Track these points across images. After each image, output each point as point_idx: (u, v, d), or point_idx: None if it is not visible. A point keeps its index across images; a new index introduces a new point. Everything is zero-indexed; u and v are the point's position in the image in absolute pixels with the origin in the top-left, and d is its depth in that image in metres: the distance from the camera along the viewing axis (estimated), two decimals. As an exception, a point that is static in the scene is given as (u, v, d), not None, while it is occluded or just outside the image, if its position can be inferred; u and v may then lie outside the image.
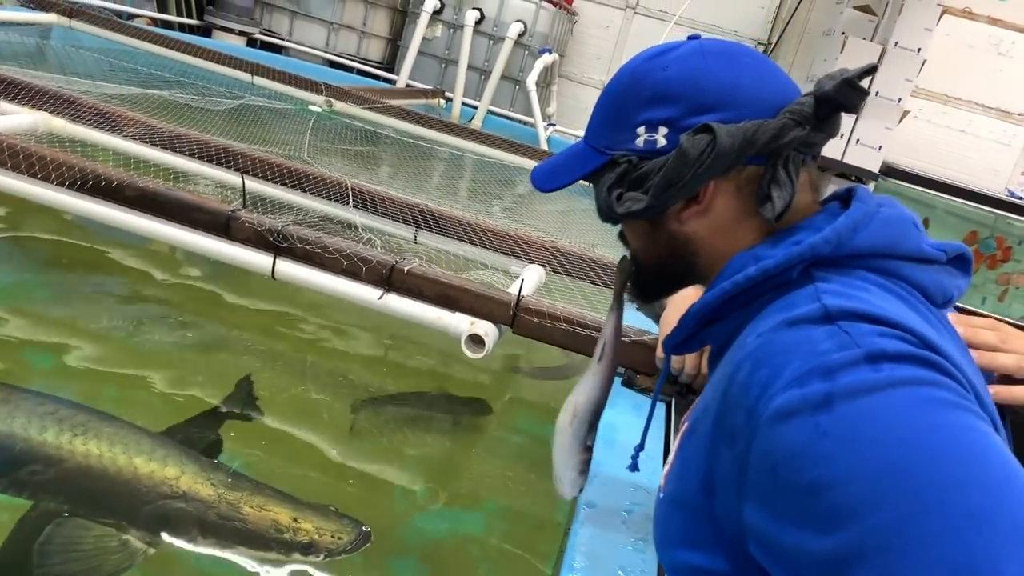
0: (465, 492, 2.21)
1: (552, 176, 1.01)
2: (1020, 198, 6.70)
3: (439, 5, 6.78)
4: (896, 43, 5.72)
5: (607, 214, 0.98)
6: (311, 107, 4.43)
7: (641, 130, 0.92)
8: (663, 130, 0.91)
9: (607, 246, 2.85)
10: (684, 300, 1.21)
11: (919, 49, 5.72)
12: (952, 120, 7.27)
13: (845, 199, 0.93)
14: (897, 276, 0.85)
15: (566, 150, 1.03)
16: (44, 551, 1.35)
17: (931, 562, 0.62)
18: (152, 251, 2.79)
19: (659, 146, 0.91)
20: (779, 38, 7.44)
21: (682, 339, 0.97)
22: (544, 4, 6.85)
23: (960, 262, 0.92)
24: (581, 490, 1.19)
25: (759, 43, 7.39)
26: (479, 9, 6.74)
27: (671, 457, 0.98)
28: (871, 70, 0.90)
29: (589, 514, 1.27)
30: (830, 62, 5.90)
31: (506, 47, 6.45)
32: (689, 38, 0.96)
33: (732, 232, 0.93)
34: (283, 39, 7.05)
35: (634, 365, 1.79)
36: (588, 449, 1.17)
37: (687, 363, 1.68)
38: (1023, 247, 6.73)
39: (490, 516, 2.08)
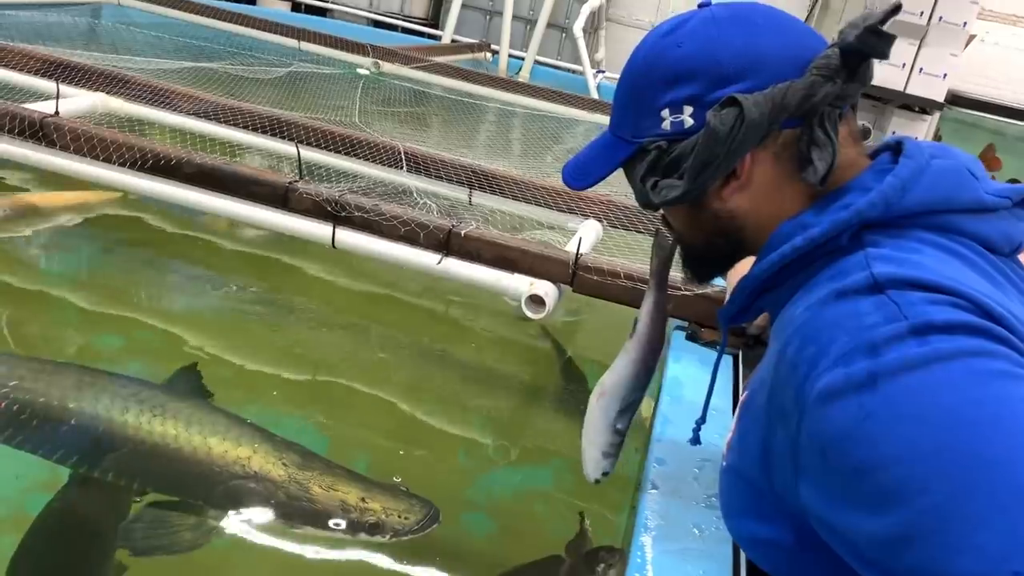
0: (532, 448, 2.23)
1: (583, 172, 0.99)
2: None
3: (481, -44, 6.68)
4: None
5: (645, 202, 0.95)
6: (359, 70, 4.43)
7: (666, 113, 0.88)
8: (688, 109, 0.87)
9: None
10: (746, 263, 1.18)
11: (984, -32, 5.43)
12: (1022, 41, 6.92)
13: (897, 149, 0.88)
14: (956, 231, 0.81)
15: (594, 141, 0.99)
16: (129, 529, 1.41)
17: (980, 544, 0.61)
18: (212, 227, 2.84)
19: (687, 127, 0.87)
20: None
21: (737, 311, 0.96)
22: (589, -54, 6.69)
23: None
24: (606, 474, 1.17)
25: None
26: (522, -43, 6.62)
27: (732, 426, 0.97)
28: (895, 10, 0.84)
29: (659, 471, 1.26)
30: (889, -10, 5.67)
31: (551, -6, 6.33)
32: (700, 6, 0.91)
33: (776, 201, 0.89)
34: (327, 1, 7.03)
35: (698, 318, 1.77)
36: (618, 432, 1.15)
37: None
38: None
39: (558, 471, 2.10)
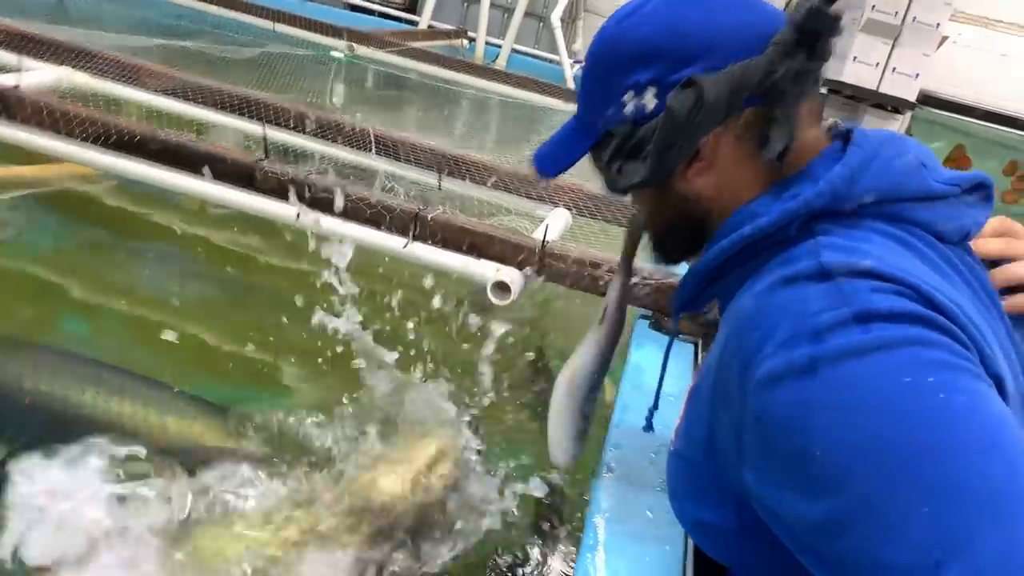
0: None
1: (552, 160, 0.99)
2: (1064, 123, 6.48)
3: (460, -58, 6.63)
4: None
5: (612, 187, 0.95)
6: (333, 53, 4.39)
7: (628, 97, 0.88)
8: (651, 91, 0.87)
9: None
10: None
11: (959, -30, 5.49)
12: (994, 44, 7.00)
13: (847, 137, 0.88)
14: (906, 220, 0.82)
15: (562, 128, 0.99)
16: None
17: (906, 534, 0.61)
18: (181, 206, 2.80)
19: (649, 109, 0.87)
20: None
21: (687, 298, 0.96)
22: (567, -64, 6.66)
23: (979, 190, 0.88)
24: (575, 458, 1.18)
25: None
26: (501, -56, 6.58)
27: (680, 412, 0.98)
28: None
29: (616, 455, 1.28)
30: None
31: (529, -18, 6.31)
32: None
33: (739, 183, 0.89)
34: (302, -18, 6.95)
35: (660, 308, 1.78)
36: (585, 416, 1.15)
37: None
38: (1066, 174, 6.53)
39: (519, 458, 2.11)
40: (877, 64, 5.20)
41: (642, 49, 0.87)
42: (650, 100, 0.87)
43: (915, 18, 5.51)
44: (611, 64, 0.90)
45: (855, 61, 5.39)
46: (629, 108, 0.89)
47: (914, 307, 0.69)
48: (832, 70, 6.00)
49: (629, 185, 0.92)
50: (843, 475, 0.65)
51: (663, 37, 0.86)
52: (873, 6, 5.40)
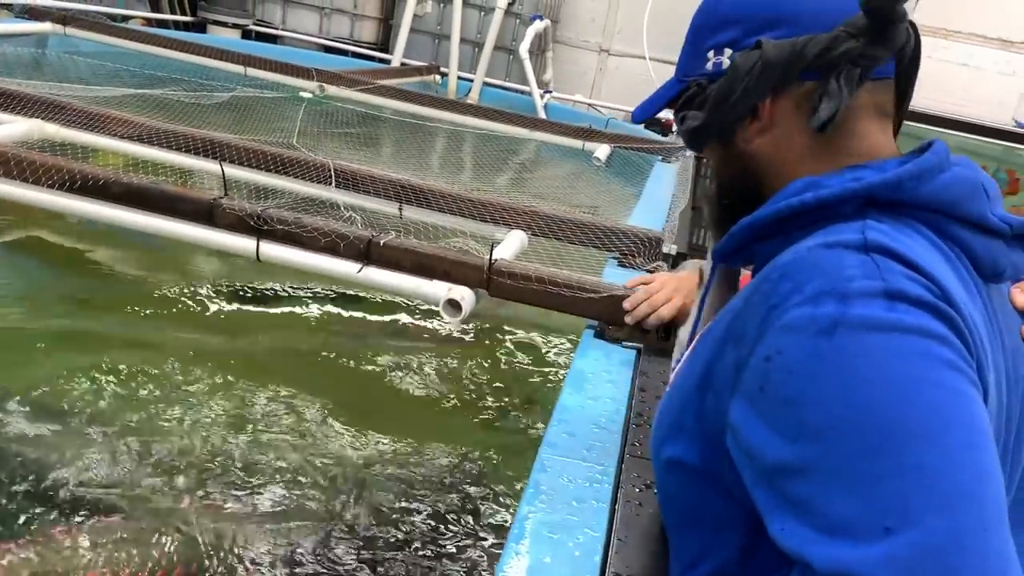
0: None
1: (643, 108, 1.07)
2: (1027, 128, 6.63)
3: (427, -19, 6.81)
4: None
5: (683, 137, 1.02)
6: (302, 94, 4.51)
7: (711, 55, 0.96)
8: (728, 51, 0.94)
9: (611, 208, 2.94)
10: (692, 280, 1.27)
11: (912, -17, 5.65)
12: (952, 54, 7.18)
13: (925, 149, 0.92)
14: (950, 237, 0.84)
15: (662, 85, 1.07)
16: None
17: (863, 497, 0.66)
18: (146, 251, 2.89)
19: (724, 68, 0.94)
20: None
21: (730, 249, 0.97)
22: (532, -29, 6.85)
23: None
24: None
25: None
26: (467, -19, 6.76)
27: (685, 356, 1.03)
28: None
29: (551, 451, 1.34)
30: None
31: (496, 17, 6.48)
32: None
33: (793, 152, 0.93)
34: (276, 28, 7.12)
35: (605, 317, 1.86)
36: None
37: (641, 307, 1.75)
38: (1033, 177, 6.67)
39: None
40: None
41: (729, 13, 0.95)
42: (726, 59, 0.95)
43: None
44: (704, 25, 0.98)
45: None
46: (709, 64, 0.96)
47: (938, 302, 0.73)
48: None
49: (688, 130, 0.99)
50: (828, 429, 0.69)
51: (749, 4, 0.94)
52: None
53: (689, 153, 4.54)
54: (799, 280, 0.76)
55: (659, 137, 5.37)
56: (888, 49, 0.87)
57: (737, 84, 0.91)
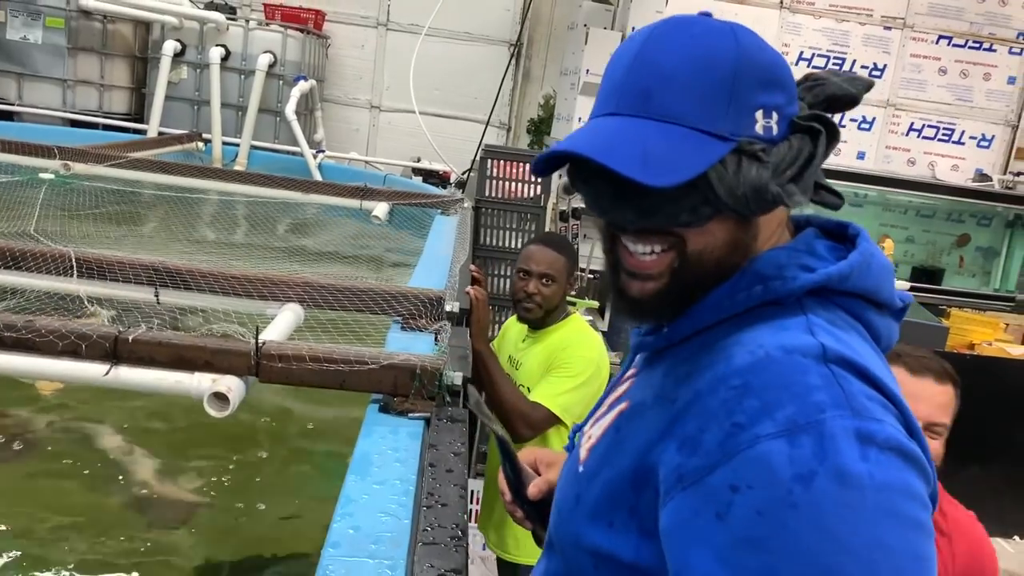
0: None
1: (669, 167, 0.81)
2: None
3: (179, 47, 6.48)
4: (633, 28, 6.06)
5: (746, 204, 0.85)
6: (42, 175, 4.10)
7: (759, 115, 0.85)
8: (775, 116, 0.86)
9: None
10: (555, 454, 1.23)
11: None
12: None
13: (827, 230, 0.94)
14: (862, 320, 0.87)
15: (644, 132, 0.84)
16: None
17: None
18: None
19: (774, 134, 0.86)
20: (528, 37, 7.71)
21: (688, 333, 0.90)
22: (291, 32, 6.72)
23: (903, 312, 0.94)
24: None
25: (511, 44, 7.61)
26: (223, 45, 6.50)
27: (597, 431, 0.96)
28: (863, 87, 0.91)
29: (335, 552, 1.24)
30: (577, 55, 6.16)
31: (258, 80, 6.29)
32: (701, 14, 0.90)
33: (771, 228, 0.91)
34: (12, 104, 6.48)
35: (386, 389, 1.78)
36: None
37: None
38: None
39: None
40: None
41: (772, 73, 0.87)
42: (774, 124, 0.86)
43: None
44: (749, 77, 0.85)
45: (580, 122, 5.81)
46: (758, 127, 0.85)
47: (903, 442, 0.74)
48: (562, 132, 6.41)
49: (754, 187, 0.84)
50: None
51: (781, 66, 0.88)
52: (587, 70, 5.89)
53: (467, 204, 4.59)
54: (767, 400, 0.74)
55: (436, 190, 5.40)
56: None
57: (816, 160, 0.87)
